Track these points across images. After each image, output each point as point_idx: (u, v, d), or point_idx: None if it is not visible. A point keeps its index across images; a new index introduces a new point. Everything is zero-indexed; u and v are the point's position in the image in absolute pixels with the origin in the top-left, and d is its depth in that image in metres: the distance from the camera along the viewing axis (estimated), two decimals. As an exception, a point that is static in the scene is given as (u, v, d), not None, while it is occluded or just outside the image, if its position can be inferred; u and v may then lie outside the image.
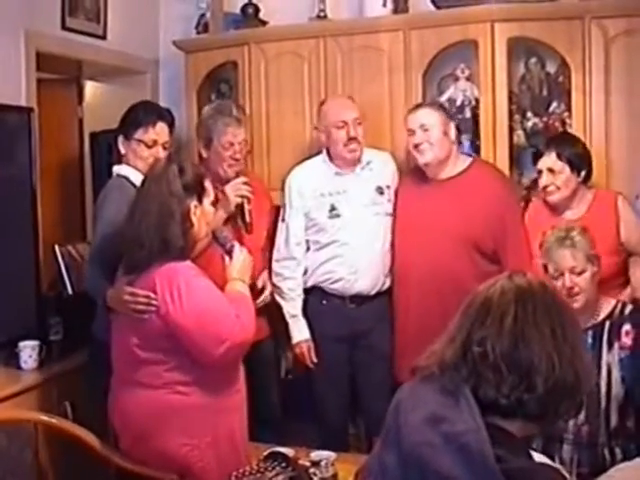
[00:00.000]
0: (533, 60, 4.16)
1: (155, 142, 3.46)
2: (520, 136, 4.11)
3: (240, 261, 2.97)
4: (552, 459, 2.75)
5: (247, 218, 3.70)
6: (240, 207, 3.68)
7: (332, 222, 3.78)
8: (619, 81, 3.86)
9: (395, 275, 3.82)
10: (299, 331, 3.86)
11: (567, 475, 1.73)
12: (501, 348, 1.66)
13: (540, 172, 3.59)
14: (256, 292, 3.20)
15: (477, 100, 4.10)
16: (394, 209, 3.83)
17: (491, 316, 1.70)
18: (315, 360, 3.85)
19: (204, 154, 3.84)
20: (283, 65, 4.44)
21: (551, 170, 3.54)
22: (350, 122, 3.76)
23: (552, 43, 3.94)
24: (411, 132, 3.68)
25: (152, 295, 2.68)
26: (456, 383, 1.68)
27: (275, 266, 3.89)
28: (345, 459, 2.86)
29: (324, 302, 3.86)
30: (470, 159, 3.81)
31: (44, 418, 2.97)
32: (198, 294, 2.69)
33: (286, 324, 3.90)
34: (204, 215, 2.85)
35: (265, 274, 3.85)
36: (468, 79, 4.20)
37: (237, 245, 3.03)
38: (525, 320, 1.68)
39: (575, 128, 3.90)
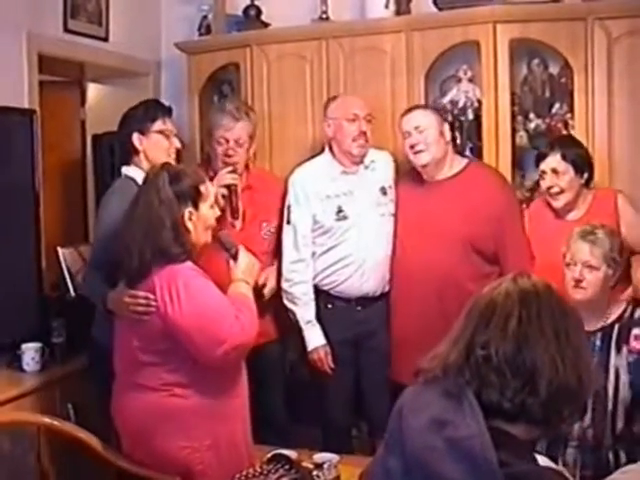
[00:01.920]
0: (535, 61, 4.16)
1: (171, 131, 3.48)
2: (523, 137, 4.12)
3: (245, 263, 2.97)
4: (555, 461, 2.76)
5: (233, 203, 3.67)
6: (228, 197, 3.66)
7: (339, 224, 3.74)
8: (622, 82, 3.86)
9: (394, 276, 3.80)
10: (315, 337, 3.78)
11: (571, 478, 1.73)
12: (505, 351, 1.65)
13: (543, 173, 3.57)
14: (263, 294, 3.19)
15: (479, 101, 4.09)
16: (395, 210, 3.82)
17: (495, 319, 1.69)
18: (332, 366, 3.77)
19: (209, 151, 3.88)
20: (285, 67, 4.44)
21: (555, 171, 3.52)
22: (362, 117, 3.74)
23: (554, 44, 3.93)
24: (407, 134, 3.67)
25: (151, 296, 2.69)
26: (459, 386, 1.67)
27: (284, 271, 3.81)
28: (348, 461, 2.85)
29: (329, 306, 3.81)
30: (466, 160, 3.79)
31: (47, 420, 2.96)
32: (197, 295, 2.69)
33: (293, 326, 3.84)
34: (202, 220, 2.84)
35: (268, 270, 3.77)
36: (470, 80, 4.20)
37: (242, 248, 3.02)
38: (529, 323, 1.67)
39: (578, 129, 3.90)
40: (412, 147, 3.64)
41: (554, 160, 3.52)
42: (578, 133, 3.88)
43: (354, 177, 3.81)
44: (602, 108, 3.88)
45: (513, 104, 4.05)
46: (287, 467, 2.80)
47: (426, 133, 3.62)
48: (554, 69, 4.16)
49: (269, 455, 2.88)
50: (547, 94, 4.17)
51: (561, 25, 3.90)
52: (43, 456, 2.92)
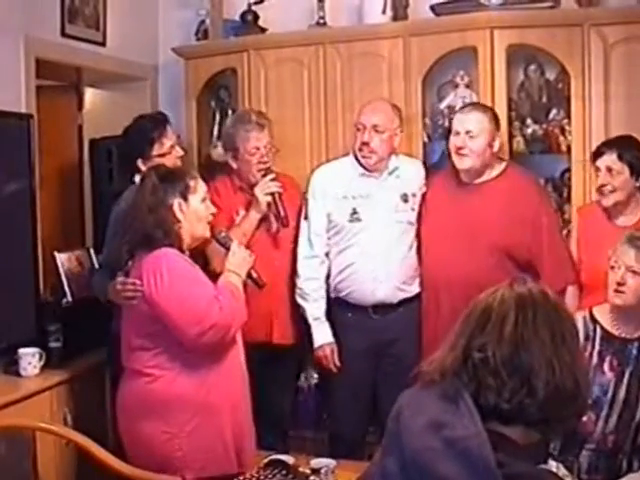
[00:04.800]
0: (532, 67, 4.18)
1: (172, 146, 3.63)
2: (520, 143, 4.12)
3: (237, 256, 3.08)
4: (567, 463, 2.77)
5: (282, 212, 3.74)
6: (273, 205, 3.74)
7: (352, 225, 3.73)
8: (618, 88, 3.86)
9: (424, 281, 3.76)
10: (323, 334, 3.79)
11: None
12: (501, 353, 1.66)
13: (597, 170, 3.50)
14: (261, 284, 3.20)
15: (476, 107, 4.10)
16: (419, 214, 3.78)
17: (491, 323, 1.70)
18: (338, 364, 3.78)
19: (234, 165, 3.90)
20: (283, 72, 4.44)
21: (609, 169, 3.45)
22: (368, 127, 3.71)
23: (551, 50, 3.95)
24: (456, 133, 3.61)
25: (138, 282, 2.86)
26: (456, 388, 1.68)
27: (298, 265, 3.83)
28: (345, 466, 2.86)
29: (349, 315, 3.79)
30: (504, 163, 3.73)
31: (43, 425, 2.96)
32: (179, 277, 2.85)
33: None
34: (192, 212, 2.96)
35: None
36: (467, 86, 4.21)
37: (235, 242, 3.14)
38: (525, 326, 1.67)
39: (574, 135, 3.91)
40: (458, 148, 3.58)
41: (610, 158, 3.45)
42: (575, 139, 3.90)
43: (375, 181, 3.79)
44: (599, 114, 3.88)
45: (510, 109, 4.06)
46: (284, 472, 2.81)
47: (475, 140, 3.56)
48: (551, 75, 4.18)
49: (266, 460, 2.88)
50: (544, 100, 4.18)
51: (558, 31, 3.91)
52: (39, 461, 2.93)
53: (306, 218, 3.84)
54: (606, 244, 3.18)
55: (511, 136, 4.06)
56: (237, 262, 3.06)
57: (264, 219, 3.79)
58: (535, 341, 1.66)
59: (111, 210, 3.61)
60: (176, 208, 2.92)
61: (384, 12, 4.28)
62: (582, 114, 3.90)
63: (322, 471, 2.79)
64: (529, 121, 4.14)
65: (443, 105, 4.26)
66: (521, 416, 1.65)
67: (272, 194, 3.73)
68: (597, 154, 3.53)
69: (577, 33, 3.88)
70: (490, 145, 3.59)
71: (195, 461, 2.83)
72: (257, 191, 3.72)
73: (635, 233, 3.02)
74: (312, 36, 4.44)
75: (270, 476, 2.78)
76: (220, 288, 2.92)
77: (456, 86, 4.25)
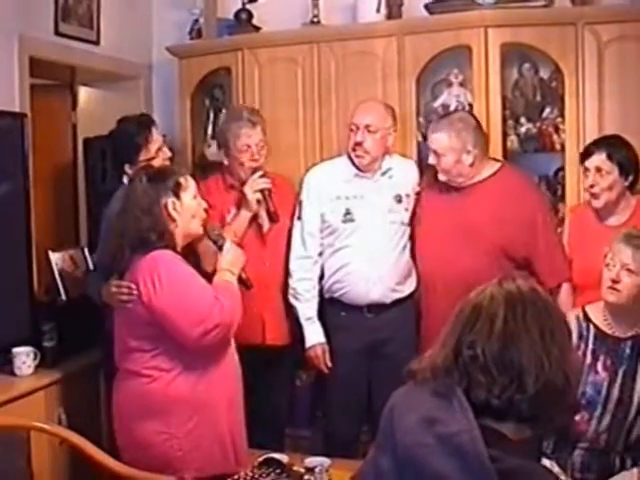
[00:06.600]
0: (526, 66, 4.19)
1: (159, 149, 3.61)
2: (514, 141, 4.14)
3: (231, 254, 3.08)
4: (560, 461, 2.77)
5: (271, 208, 3.72)
6: (263, 202, 3.71)
7: (345, 226, 3.73)
8: (612, 86, 3.88)
9: (421, 281, 3.77)
10: (315, 334, 3.79)
11: (561, 477, 1.74)
12: (491, 350, 1.67)
13: (586, 171, 3.49)
14: (249, 285, 3.19)
15: (470, 105, 4.10)
16: (413, 214, 3.78)
17: (481, 320, 1.71)
18: (329, 364, 3.78)
19: (225, 162, 3.88)
20: (277, 71, 4.44)
21: (599, 170, 3.43)
22: (361, 127, 3.70)
23: (545, 49, 3.96)
24: (430, 152, 3.64)
25: (133, 285, 2.84)
26: (449, 385, 1.69)
27: (290, 265, 3.82)
28: (340, 465, 2.86)
29: (343, 314, 3.78)
30: (498, 164, 3.72)
31: (38, 425, 2.96)
32: (177, 279, 2.83)
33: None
34: (186, 209, 2.95)
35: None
36: (461, 84, 4.21)
37: (228, 241, 3.13)
38: (514, 323, 1.69)
39: (568, 133, 3.92)
40: (435, 165, 3.63)
41: (599, 159, 3.44)
42: (569, 137, 3.91)
43: (368, 181, 3.79)
44: (592, 112, 3.90)
45: (504, 108, 4.07)
46: (278, 471, 2.80)
47: (443, 158, 3.57)
48: (545, 73, 4.19)
49: (260, 459, 2.88)
50: (538, 98, 4.19)
51: (552, 30, 3.92)
52: (33, 461, 2.92)
53: (299, 218, 3.83)
54: (597, 245, 3.19)
55: (505, 135, 4.07)
56: (231, 260, 3.06)
57: (255, 218, 3.77)
58: (524, 337, 1.67)
59: (103, 210, 3.59)
60: (170, 208, 2.90)
61: (378, 11, 4.29)
62: (576, 112, 3.92)
63: (316, 470, 2.78)
64: (523, 120, 4.15)
65: (437, 104, 4.27)
66: (512, 412, 1.66)
67: (262, 191, 3.71)
68: (586, 154, 3.52)
69: (571, 32, 3.89)
70: (458, 162, 3.56)
71: (194, 461, 2.83)
72: (246, 189, 3.69)
73: (632, 232, 3.02)
74: (306, 35, 4.44)
75: (264, 475, 2.78)
76: (218, 287, 2.91)
77: (450, 85, 4.25)
